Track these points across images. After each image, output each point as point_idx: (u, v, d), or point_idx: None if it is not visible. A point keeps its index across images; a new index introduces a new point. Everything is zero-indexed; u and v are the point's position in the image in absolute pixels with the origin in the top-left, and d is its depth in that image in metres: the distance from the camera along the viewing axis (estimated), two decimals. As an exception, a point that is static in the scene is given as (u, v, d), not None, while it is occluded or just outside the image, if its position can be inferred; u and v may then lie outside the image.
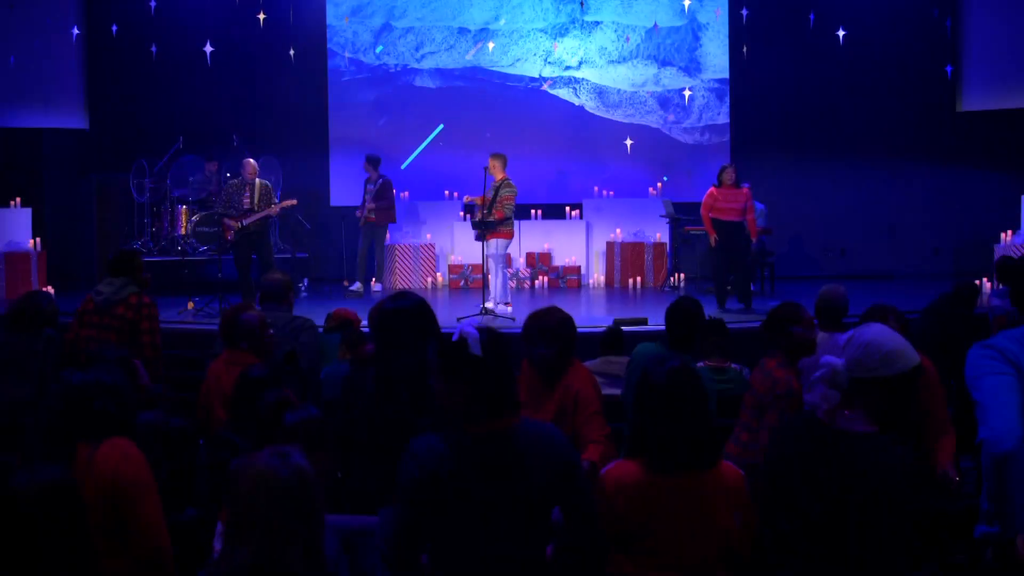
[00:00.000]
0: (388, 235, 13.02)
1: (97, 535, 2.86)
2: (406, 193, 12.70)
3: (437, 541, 2.77)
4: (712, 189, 10.30)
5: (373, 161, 12.10)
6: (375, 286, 12.45)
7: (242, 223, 10.06)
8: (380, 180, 11.98)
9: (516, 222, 10.45)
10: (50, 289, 10.21)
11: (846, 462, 2.75)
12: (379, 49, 14.26)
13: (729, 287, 10.98)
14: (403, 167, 13.99)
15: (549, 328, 4.11)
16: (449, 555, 2.77)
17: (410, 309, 3.64)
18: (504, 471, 2.73)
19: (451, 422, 2.80)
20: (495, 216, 9.80)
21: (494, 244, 9.91)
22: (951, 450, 4.14)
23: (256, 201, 10.14)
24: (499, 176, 10.00)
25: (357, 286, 11.89)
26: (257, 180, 10.29)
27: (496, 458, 2.72)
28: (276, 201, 10.55)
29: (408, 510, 2.75)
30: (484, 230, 9.79)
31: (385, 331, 3.64)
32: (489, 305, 9.97)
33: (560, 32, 14.18)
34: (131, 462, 3.03)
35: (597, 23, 14.18)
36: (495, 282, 10.10)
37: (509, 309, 9.93)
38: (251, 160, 10.48)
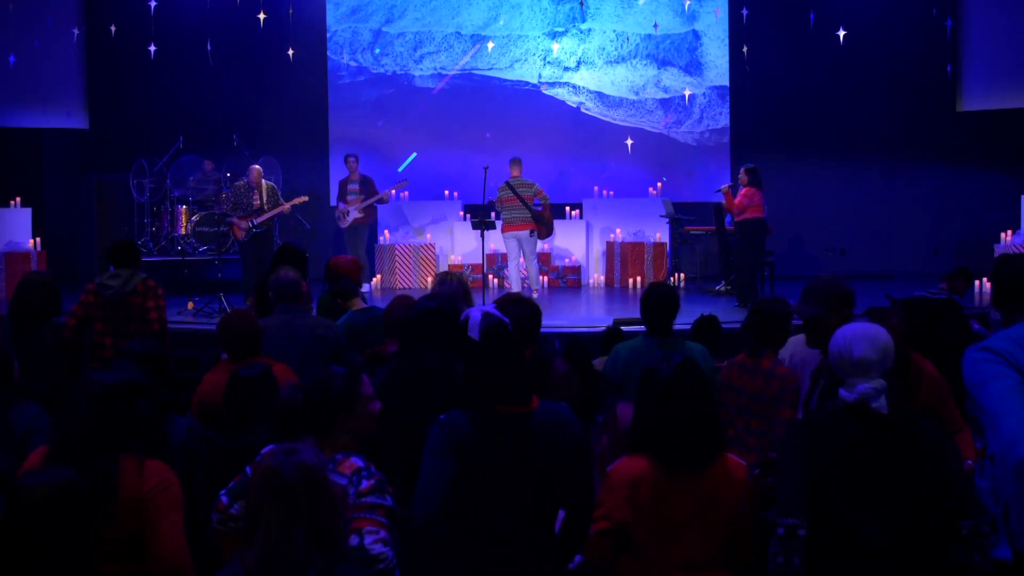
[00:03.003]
0: (388, 235, 13.03)
1: (121, 547, 2.87)
2: (406, 193, 12.70)
3: (453, 513, 2.94)
4: None
5: (355, 159, 12.02)
6: (364, 287, 12.44)
7: (253, 223, 10.12)
8: (364, 179, 11.90)
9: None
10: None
11: (895, 444, 2.80)
12: (377, 51, 14.27)
13: (729, 287, 11.02)
14: (400, 169, 14.05)
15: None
16: (462, 527, 2.96)
17: (450, 310, 3.69)
18: (519, 451, 2.94)
19: (474, 401, 3.00)
20: (545, 209, 10.48)
21: (528, 233, 10.44)
22: (970, 442, 4.05)
23: (265, 201, 10.22)
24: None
25: (367, 288, 11.84)
26: (263, 182, 10.38)
27: (513, 438, 2.93)
28: (281, 201, 10.56)
29: (435, 462, 2.93)
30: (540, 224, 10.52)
31: (418, 329, 3.69)
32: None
33: (559, 33, 14.18)
34: (171, 483, 3.00)
35: (597, 23, 14.18)
36: (533, 268, 10.77)
37: (535, 295, 10.38)
38: (256, 166, 10.58)
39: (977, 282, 10.57)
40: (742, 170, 10.46)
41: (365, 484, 2.94)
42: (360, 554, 2.79)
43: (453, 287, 4.80)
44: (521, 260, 10.73)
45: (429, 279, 12.95)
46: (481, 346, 2.99)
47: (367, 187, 11.82)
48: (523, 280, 10.87)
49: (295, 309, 5.19)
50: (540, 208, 10.47)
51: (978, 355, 2.99)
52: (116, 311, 5.93)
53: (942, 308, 4.63)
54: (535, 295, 10.49)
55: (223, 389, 4.34)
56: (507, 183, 10.46)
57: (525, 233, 10.44)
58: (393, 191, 11.97)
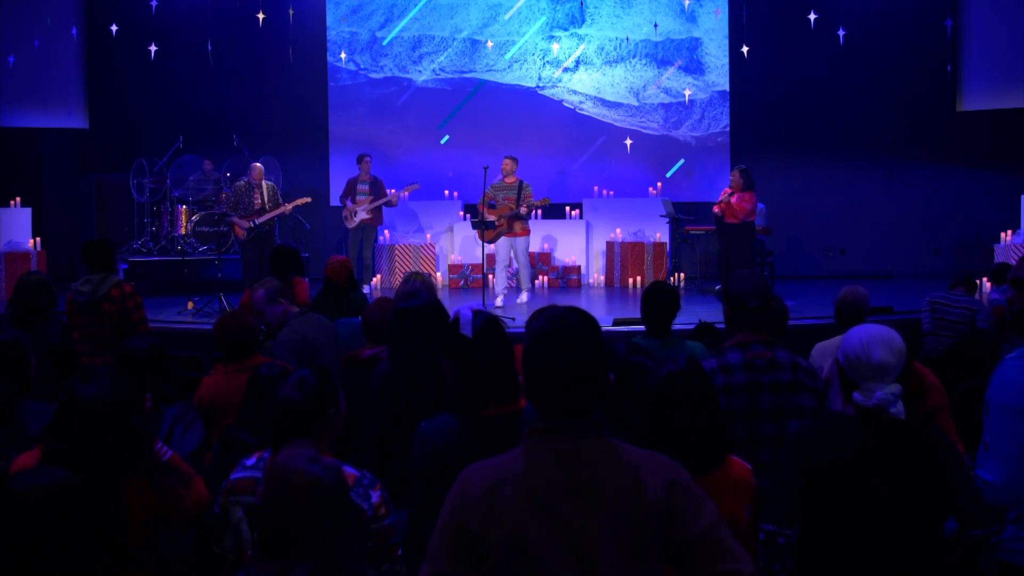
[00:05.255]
0: (388, 234, 13.01)
1: (135, 555, 2.88)
2: (406, 192, 12.70)
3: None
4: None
5: (370, 160, 11.97)
6: (365, 288, 12.44)
7: (254, 222, 10.10)
8: (374, 180, 11.87)
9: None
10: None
11: (899, 451, 2.74)
12: (376, 51, 14.27)
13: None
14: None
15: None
16: None
17: (425, 308, 3.64)
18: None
19: (459, 404, 2.86)
20: (523, 211, 10.28)
21: (522, 241, 10.38)
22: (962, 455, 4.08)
23: (266, 201, 10.19)
24: (514, 179, 10.43)
25: (368, 288, 11.79)
26: (264, 182, 10.34)
27: (504, 442, 2.70)
28: (281, 201, 10.53)
29: (422, 494, 2.81)
30: (514, 220, 10.33)
31: (400, 330, 3.64)
32: (499, 302, 10.37)
33: (559, 33, 14.18)
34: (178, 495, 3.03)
35: (596, 24, 14.19)
36: (525, 274, 10.69)
37: (525, 296, 10.54)
38: (258, 164, 10.53)
39: (977, 281, 10.56)
40: (737, 172, 10.53)
41: (376, 497, 2.86)
42: None
43: (416, 286, 4.83)
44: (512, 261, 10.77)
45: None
46: (474, 344, 2.88)
47: (376, 188, 11.75)
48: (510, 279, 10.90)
49: (304, 311, 5.24)
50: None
51: None
52: (89, 317, 5.84)
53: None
54: (524, 295, 10.68)
55: (221, 390, 4.35)
56: (513, 186, 10.47)
57: (528, 239, 10.61)
58: (404, 193, 11.88)
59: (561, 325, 2.16)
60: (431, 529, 2.82)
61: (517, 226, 10.35)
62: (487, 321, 2.89)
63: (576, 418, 2.12)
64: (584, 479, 2.09)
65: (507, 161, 10.49)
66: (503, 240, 10.36)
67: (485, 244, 10.40)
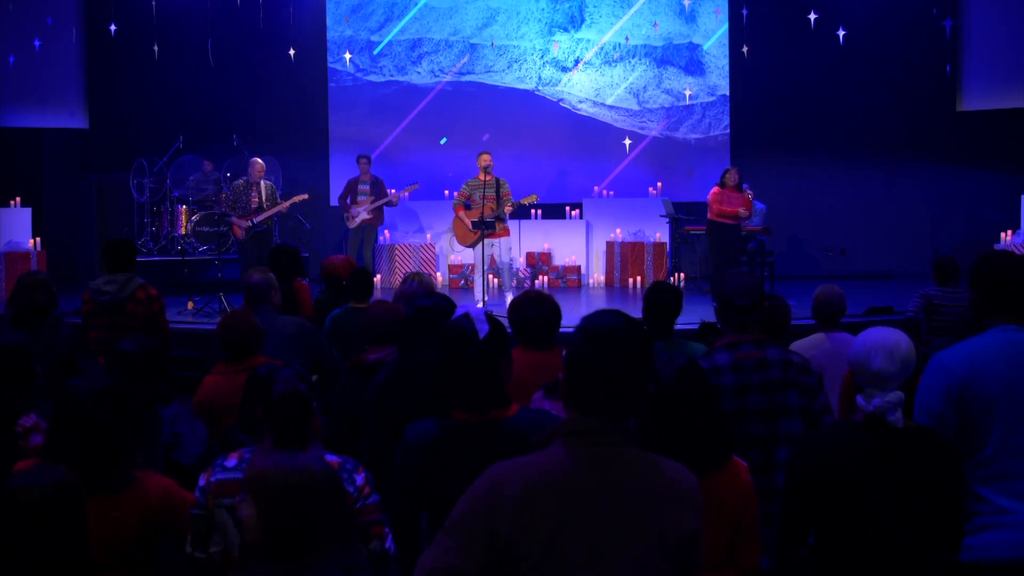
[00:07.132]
0: (388, 234, 13.01)
1: (130, 558, 2.88)
2: (406, 192, 12.71)
3: (432, 517, 2.84)
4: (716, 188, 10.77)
5: (368, 160, 11.97)
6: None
7: (252, 221, 10.06)
8: (375, 180, 11.87)
9: (517, 221, 10.87)
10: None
11: (902, 457, 2.75)
12: (376, 51, 14.28)
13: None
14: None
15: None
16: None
17: (446, 308, 3.66)
18: (483, 461, 2.72)
19: (443, 408, 2.85)
20: (507, 210, 9.94)
21: (504, 242, 10.08)
22: None
23: (264, 200, 10.14)
24: (491, 176, 10.07)
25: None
26: (263, 181, 10.28)
27: (483, 449, 2.69)
28: (279, 200, 10.48)
29: (400, 493, 2.86)
30: (496, 222, 9.94)
31: (415, 329, 3.65)
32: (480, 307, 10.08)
33: (558, 33, 14.18)
34: (178, 495, 3.02)
35: (596, 24, 14.19)
36: (508, 276, 10.36)
37: (510, 298, 10.09)
38: (258, 160, 10.41)
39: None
40: (736, 172, 10.64)
41: (360, 479, 2.96)
42: (382, 554, 2.89)
43: (413, 287, 4.83)
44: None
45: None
46: (440, 344, 2.88)
47: (377, 188, 11.74)
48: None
49: (266, 311, 5.18)
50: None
51: (938, 381, 2.99)
52: (111, 316, 5.81)
53: None
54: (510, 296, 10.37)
55: (222, 390, 4.34)
56: (491, 183, 10.05)
57: (509, 240, 10.23)
58: (404, 193, 11.86)
59: (615, 327, 2.16)
60: (401, 523, 2.88)
61: (497, 226, 9.97)
62: (456, 325, 2.87)
63: (617, 421, 2.13)
64: (629, 488, 2.10)
65: (484, 156, 10.08)
66: (484, 242, 9.99)
67: (475, 248, 10.06)
